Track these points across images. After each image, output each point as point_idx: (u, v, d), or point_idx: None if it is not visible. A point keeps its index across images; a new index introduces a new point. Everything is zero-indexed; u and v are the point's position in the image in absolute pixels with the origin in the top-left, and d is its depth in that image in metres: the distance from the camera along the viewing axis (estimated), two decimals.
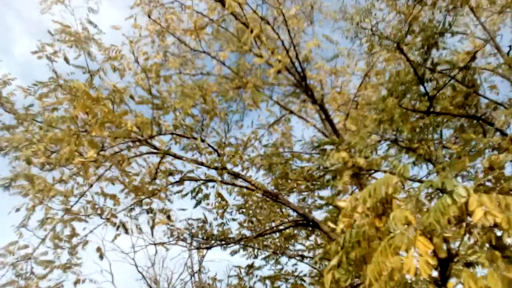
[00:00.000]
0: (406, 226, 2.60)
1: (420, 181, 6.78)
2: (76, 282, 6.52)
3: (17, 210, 5.90)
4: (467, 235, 2.92)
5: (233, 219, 8.85)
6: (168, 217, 7.31)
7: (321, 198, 9.00)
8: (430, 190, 6.84)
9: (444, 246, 2.91)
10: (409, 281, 3.47)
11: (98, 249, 6.77)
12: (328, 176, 4.95)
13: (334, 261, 3.04)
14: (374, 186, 2.85)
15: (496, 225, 2.74)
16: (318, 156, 8.55)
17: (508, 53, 5.95)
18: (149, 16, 7.27)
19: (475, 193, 2.34)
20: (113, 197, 6.59)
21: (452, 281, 3.16)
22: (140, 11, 7.25)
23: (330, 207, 6.93)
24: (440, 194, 6.15)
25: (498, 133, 5.88)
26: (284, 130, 9.11)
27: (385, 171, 7.28)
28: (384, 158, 6.75)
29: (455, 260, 2.91)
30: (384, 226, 2.90)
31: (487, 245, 2.99)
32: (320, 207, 8.22)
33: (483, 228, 2.60)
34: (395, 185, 2.85)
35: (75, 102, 5.83)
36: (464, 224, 2.68)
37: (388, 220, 2.79)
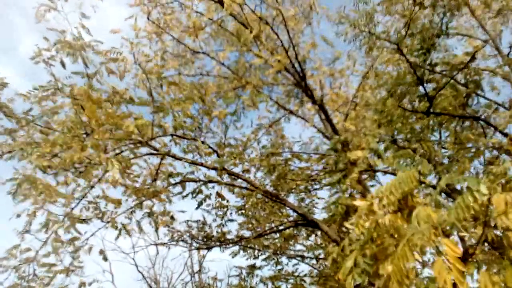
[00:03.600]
0: (426, 224, 2.60)
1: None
2: (81, 285, 6.46)
3: (18, 216, 5.82)
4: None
5: (231, 220, 8.85)
6: (172, 217, 7.29)
7: (319, 198, 9.08)
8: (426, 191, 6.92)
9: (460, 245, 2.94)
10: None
11: (101, 252, 6.73)
12: (336, 177, 4.97)
13: (350, 262, 3.05)
14: (395, 183, 2.86)
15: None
16: (317, 156, 8.60)
17: (508, 54, 6.03)
18: (148, 18, 7.21)
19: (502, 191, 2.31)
20: (115, 201, 6.53)
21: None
22: (139, 11, 7.17)
23: (334, 206, 6.96)
24: (443, 195, 6.25)
25: (498, 133, 5.96)
26: (278, 131, 9.09)
27: (385, 172, 7.38)
28: (398, 156, 6.79)
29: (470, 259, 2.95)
30: (402, 224, 2.91)
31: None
32: (323, 208, 8.23)
33: (502, 227, 2.61)
34: (415, 182, 2.86)
35: (76, 106, 5.77)
36: (481, 223, 2.69)
37: (405, 217, 2.81)
